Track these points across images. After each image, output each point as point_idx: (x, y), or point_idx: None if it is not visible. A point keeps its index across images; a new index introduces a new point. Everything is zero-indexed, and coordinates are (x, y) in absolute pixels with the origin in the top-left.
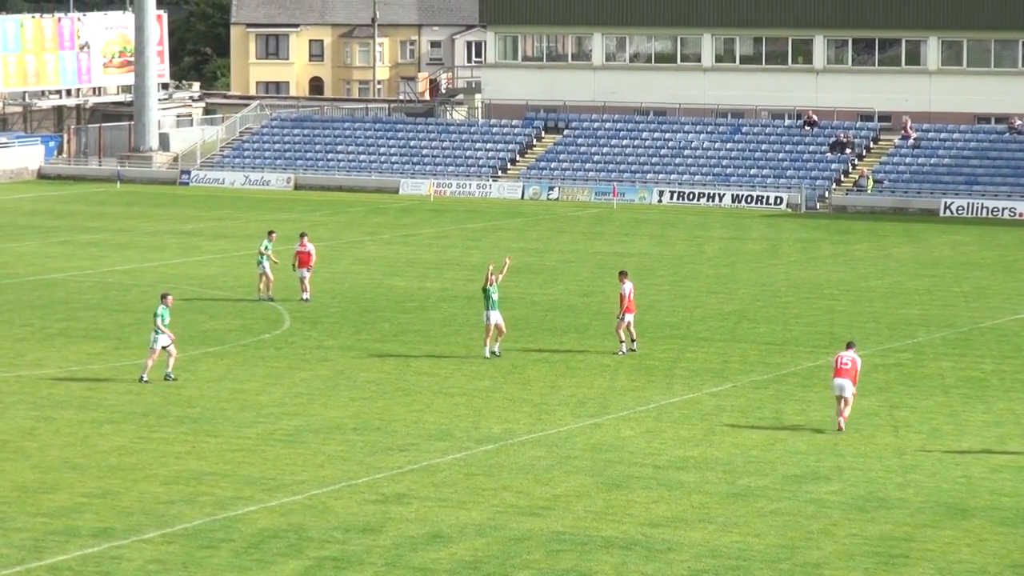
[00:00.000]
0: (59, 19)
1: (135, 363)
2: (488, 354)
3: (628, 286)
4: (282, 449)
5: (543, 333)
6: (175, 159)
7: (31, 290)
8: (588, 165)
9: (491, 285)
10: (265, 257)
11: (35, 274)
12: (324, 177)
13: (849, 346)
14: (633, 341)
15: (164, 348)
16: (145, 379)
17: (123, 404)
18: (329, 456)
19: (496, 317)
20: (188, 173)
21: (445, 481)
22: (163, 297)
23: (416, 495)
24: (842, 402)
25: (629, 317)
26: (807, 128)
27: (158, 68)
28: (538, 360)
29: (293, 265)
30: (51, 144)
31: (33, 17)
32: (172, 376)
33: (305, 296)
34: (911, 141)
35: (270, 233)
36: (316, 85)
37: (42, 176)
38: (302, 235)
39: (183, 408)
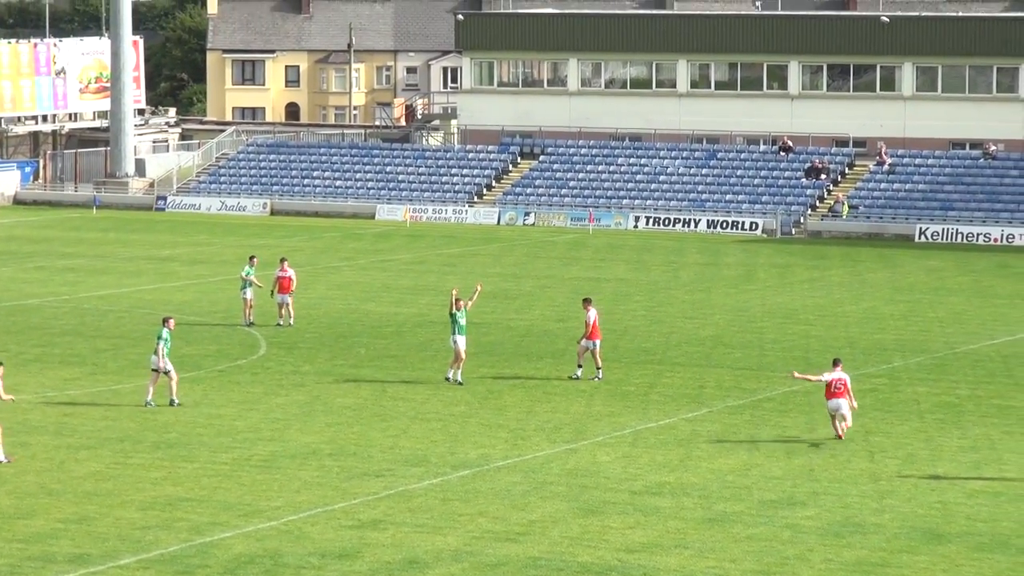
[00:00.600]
0: (35, 44)
1: (111, 388)
2: (451, 380)
3: (592, 313)
4: (258, 475)
5: (519, 358)
6: (151, 185)
7: (7, 316)
8: (564, 191)
9: (458, 310)
10: (248, 283)
11: (11, 300)
12: (300, 202)
13: (836, 363)
14: (598, 369)
15: (155, 370)
16: (176, 401)
17: (99, 430)
18: (305, 482)
19: (462, 343)
20: (164, 199)
21: (421, 507)
22: (165, 320)
23: (392, 520)
24: (839, 418)
25: (596, 344)
26: (782, 154)
27: (134, 94)
28: (514, 385)
29: (272, 291)
30: (27, 170)
31: (9, 42)
32: (152, 403)
33: (281, 321)
34: (886, 167)
35: (251, 258)
36: (292, 111)
37: (18, 201)
38: (282, 260)
39: (159, 434)
